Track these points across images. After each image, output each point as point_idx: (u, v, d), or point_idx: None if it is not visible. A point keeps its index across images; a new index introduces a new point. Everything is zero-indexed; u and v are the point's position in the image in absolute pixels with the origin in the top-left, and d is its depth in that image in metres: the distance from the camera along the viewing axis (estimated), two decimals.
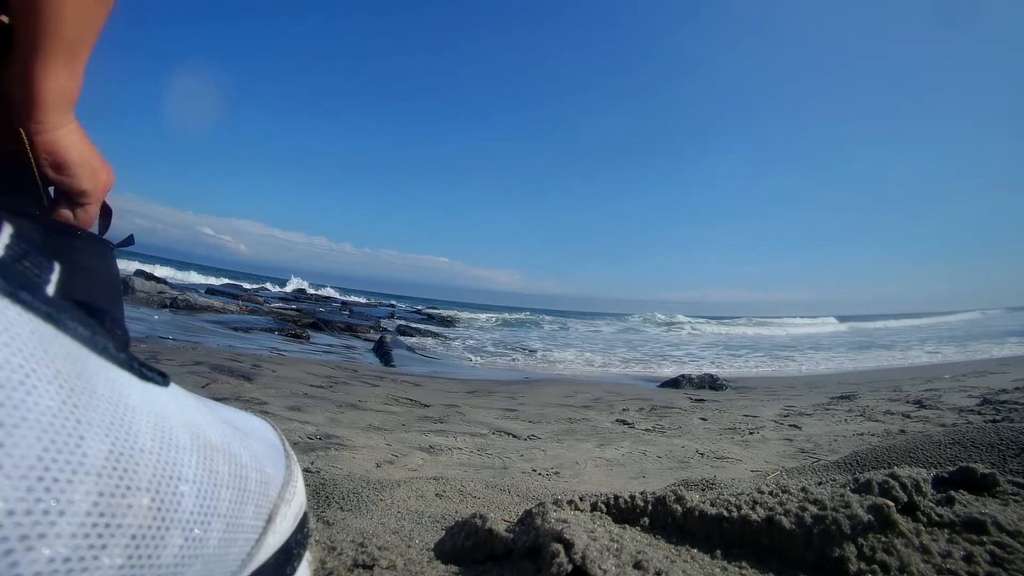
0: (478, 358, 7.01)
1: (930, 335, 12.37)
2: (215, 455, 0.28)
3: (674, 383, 4.55)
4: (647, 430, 2.43)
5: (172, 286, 8.87)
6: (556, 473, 1.59)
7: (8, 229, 0.24)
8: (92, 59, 0.46)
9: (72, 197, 0.49)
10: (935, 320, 22.72)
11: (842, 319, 26.77)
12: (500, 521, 0.57)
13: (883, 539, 0.49)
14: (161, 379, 0.28)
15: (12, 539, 0.16)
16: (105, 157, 0.51)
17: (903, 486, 0.56)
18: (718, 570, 0.49)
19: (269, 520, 0.32)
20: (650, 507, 0.59)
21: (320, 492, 0.94)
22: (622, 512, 0.60)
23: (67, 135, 0.46)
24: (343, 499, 0.91)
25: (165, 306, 6.76)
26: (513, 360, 7.15)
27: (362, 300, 20.26)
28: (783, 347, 10.65)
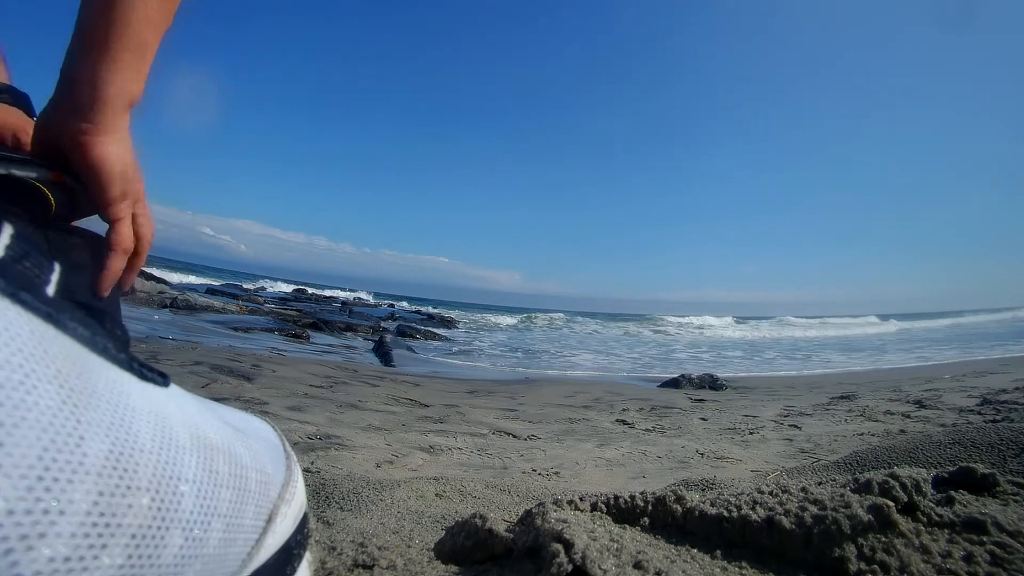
0: (478, 358, 7.01)
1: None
2: (215, 455, 0.28)
3: (674, 383, 4.55)
4: (647, 430, 2.43)
5: (172, 286, 8.88)
6: (556, 473, 1.59)
7: (8, 230, 0.24)
8: (156, 61, 0.45)
9: (100, 208, 0.46)
10: (989, 318, 21.06)
11: (884, 317, 25.23)
12: (500, 521, 0.57)
13: (883, 539, 0.49)
14: (161, 379, 0.28)
15: (12, 538, 0.16)
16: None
17: (903, 486, 0.56)
18: (718, 570, 0.49)
19: (269, 520, 0.32)
20: (650, 507, 0.59)
21: (320, 492, 0.94)
22: (622, 512, 0.60)
23: (116, 142, 0.44)
24: (343, 499, 0.91)
25: (165, 306, 6.76)
26: (513, 360, 7.15)
27: (362, 300, 20.28)
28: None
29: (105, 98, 0.41)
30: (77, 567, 0.18)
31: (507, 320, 17.47)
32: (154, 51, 0.44)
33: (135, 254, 0.48)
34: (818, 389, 3.99)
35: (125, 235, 0.46)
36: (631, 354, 8.93)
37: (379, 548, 0.61)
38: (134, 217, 0.48)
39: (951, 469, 0.70)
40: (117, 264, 0.45)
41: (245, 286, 17.46)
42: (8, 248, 0.23)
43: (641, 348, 10.45)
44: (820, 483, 0.68)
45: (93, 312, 0.39)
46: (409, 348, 6.72)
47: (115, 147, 0.43)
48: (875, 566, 0.47)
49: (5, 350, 0.18)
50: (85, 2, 0.41)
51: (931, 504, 0.56)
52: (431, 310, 19.39)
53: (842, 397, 3.30)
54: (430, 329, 10.19)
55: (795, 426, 2.41)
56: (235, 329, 5.92)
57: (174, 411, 0.27)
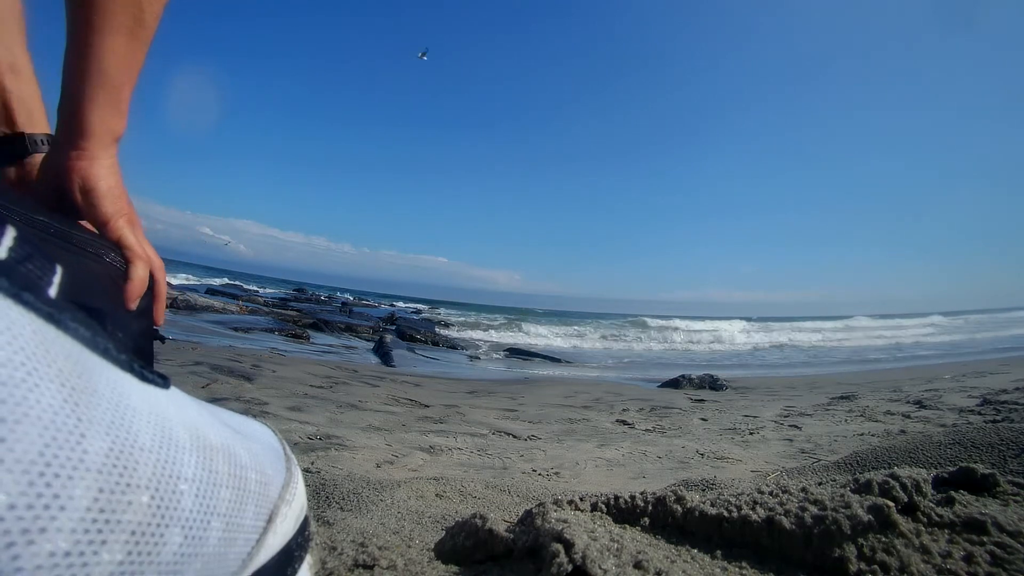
0: (478, 358, 7.01)
1: None
2: (214, 455, 0.28)
3: (674, 383, 4.55)
4: (647, 430, 2.43)
5: (172, 286, 8.89)
6: (556, 473, 1.59)
7: (11, 232, 0.24)
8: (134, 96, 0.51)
9: (97, 227, 0.52)
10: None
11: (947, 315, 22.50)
12: (500, 521, 0.57)
13: (883, 539, 0.49)
14: (161, 381, 0.28)
15: (14, 532, 0.16)
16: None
17: (903, 486, 0.56)
18: (718, 570, 0.49)
19: (269, 520, 0.32)
20: (650, 507, 0.59)
21: (320, 492, 0.94)
22: (622, 512, 0.60)
23: (102, 167, 0.51)
24: (343, 499, 0.91)
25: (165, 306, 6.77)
26: (513, 360, 7.15)
27: (361, 300, 20.25)
28: None
29: (89, 130, 0.49)
30: (77, 562, 0.18)
31: (507, 320, 17.46)
32: (129, 89, 0.50)
33: (154, 281, 0.53)
34: (818, 389, 3.99)
35: (133, 245, 0.52)
36: (631, 354, 8.90)
37: (379, 548, 0.61)
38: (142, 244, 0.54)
39: (951, 469, 0.70)
40: (140, 272, 0.51)
41: (245, 287, 17.49)
42: (11, 250, 0.24)
43: (640, 347, 10.24)
44: (820, 483, 0.68)
45: (94, 314, 0.39)
46: (409, 348, 6.72)
47: (101, 170, 0.51)
48: (875, 566, 0.47)
49: (7, 349, 0.18)
50: (66, 52, 0.47)
51: (931, 504, 0.56)
52: (431, 310, 19.38)
53: (842, 397, 3.30)
54: (430, 329, 10.19)
55: (795, 426, 2.41)
56: (235, 329, 5.93)
57: (174, 412, 0.27)
